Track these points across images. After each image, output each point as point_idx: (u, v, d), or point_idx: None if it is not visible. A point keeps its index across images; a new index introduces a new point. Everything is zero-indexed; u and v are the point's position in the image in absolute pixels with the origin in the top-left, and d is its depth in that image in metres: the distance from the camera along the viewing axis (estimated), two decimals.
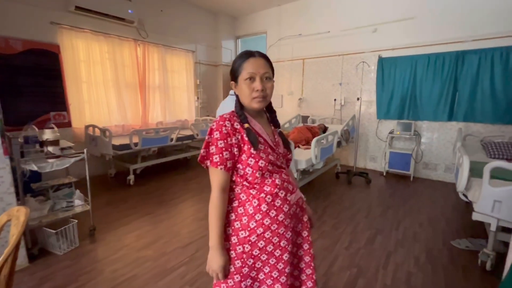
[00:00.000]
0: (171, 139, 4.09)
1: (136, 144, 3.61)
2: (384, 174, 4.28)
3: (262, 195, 0.90)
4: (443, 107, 3.83)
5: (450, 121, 3.84)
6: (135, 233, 2.40)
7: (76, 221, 2.17)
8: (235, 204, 0.93)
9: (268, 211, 0.90)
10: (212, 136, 0.89)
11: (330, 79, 4.87)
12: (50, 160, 2.04)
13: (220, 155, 0.87)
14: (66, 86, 3.68)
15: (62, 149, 2.21)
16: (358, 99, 4.09)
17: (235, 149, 0.89)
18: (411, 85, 4.04)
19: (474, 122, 3.67)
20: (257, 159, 0.89)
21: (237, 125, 0.91)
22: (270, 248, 0.91)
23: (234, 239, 0.91)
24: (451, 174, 3.90)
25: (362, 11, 4.36)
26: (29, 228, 1.99)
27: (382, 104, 4.33)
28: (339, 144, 3.65)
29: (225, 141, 0.88)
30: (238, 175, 0.91)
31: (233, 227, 0.92)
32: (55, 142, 2.06)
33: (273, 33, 5.50)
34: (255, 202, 0.90)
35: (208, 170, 0.92)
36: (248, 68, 0.90)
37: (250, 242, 0.90)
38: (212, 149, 0.88)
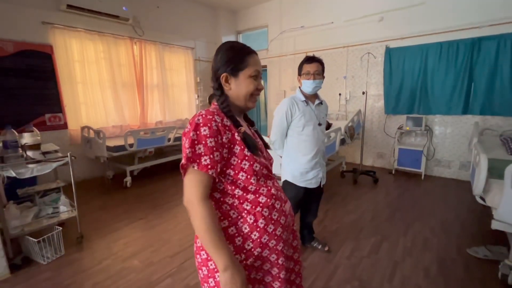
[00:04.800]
0: (169, 139, 3.97)
1: (131, 145, 3.50)
2: (393, 172, 4.02)
3: (258, 208, 0.78)
4: (457, 100, 3.53)
5: (465, 115, 3.54)
6: (124, 240, 2.29)
7: (60, 228, 2.07)
8: (225, 224, 0.77)
9: (265, 227, 0.78)
10: (198, 132, 0.72)
11: (334, 73, 4.61)
12: (30, 166, 1.93)
13: (211, 156, 0.71)
14: (60, 87, 3.61)
15: (45, 153, 2.11)
16: (363, 93, 3.84)
17: (225, 151, 0.75)
18: (422, 77, 3.75)
19: (492, 115, 3.35)
20: (251, 162, 0.77)
21: (226, 122, 0.77)
22: (266, 266, 0.83)
23: None
24: (467, 172, 3.61)
25: None
26: (10, 237, 1.90)
27: (390, 97, 4.05)
28: (343, 141, 3.43)
29: (216, 139, 0.73)
30: (228, 182, 0.77)
31: None
32: (35, 146, 1.95)
33: (274, 26, 5.27)
34: (250, 219, 0.77)
35: (185, 177, 0.75)
36: (255, 65, 0.82)
37: (246, 266, 0.77)
38: (199, 148, 0.72)
